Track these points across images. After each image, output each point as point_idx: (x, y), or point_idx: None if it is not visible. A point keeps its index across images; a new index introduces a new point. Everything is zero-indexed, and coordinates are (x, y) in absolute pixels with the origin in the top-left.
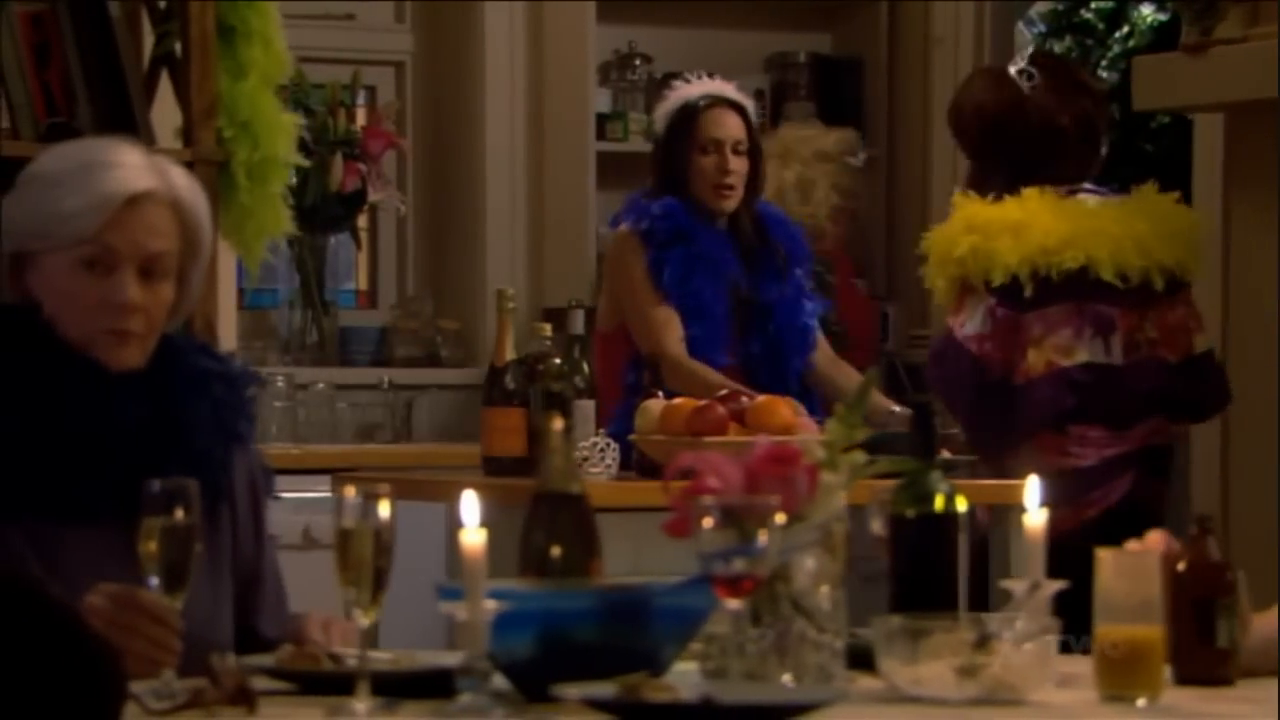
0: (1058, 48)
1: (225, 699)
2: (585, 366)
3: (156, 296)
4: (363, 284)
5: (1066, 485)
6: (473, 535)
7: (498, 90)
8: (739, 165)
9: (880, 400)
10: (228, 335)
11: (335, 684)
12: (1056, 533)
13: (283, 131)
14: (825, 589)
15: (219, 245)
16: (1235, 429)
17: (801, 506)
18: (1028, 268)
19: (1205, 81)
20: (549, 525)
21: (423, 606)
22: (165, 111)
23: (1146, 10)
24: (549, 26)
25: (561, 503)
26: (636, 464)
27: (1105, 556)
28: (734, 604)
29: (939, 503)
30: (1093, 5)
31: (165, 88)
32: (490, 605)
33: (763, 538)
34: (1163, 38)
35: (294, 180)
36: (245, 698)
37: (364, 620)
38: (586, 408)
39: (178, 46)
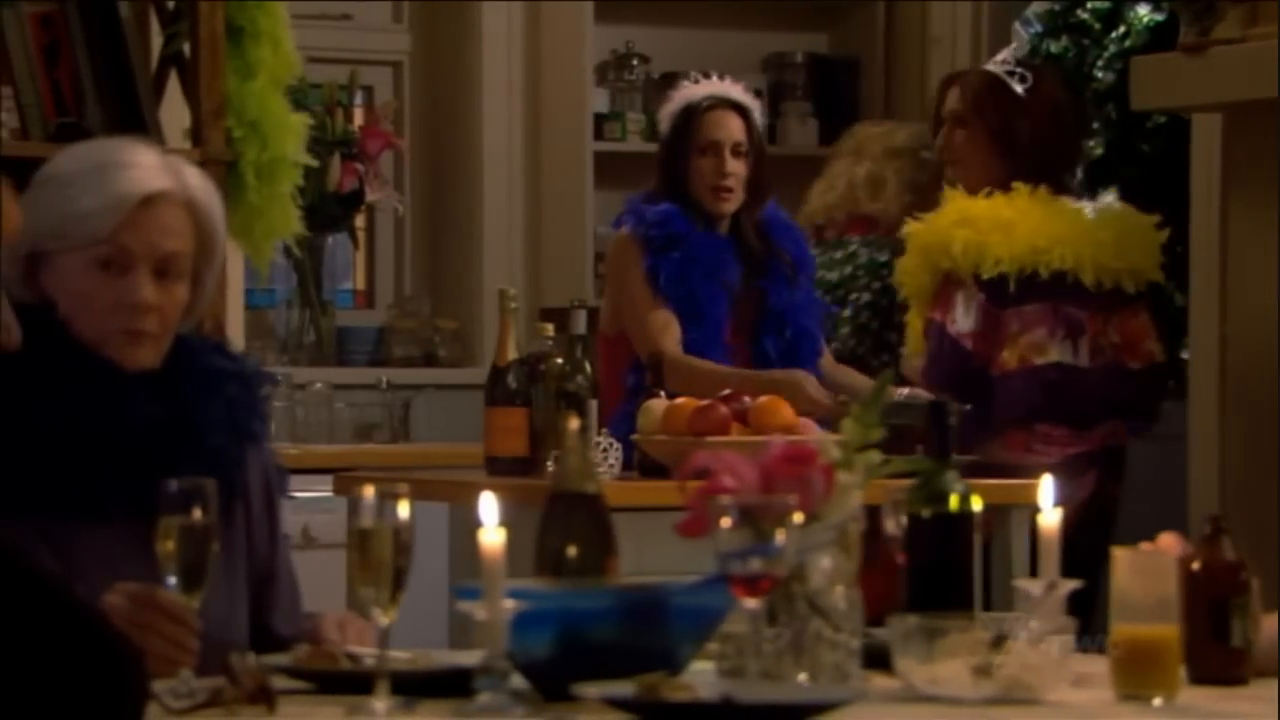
0: (1054, 48)
1: (245, 698)
2: (588, 366)
3: (171, 297)
4: (360, 284)
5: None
6: (492, 535)
7: (495, 90)
8: (737, 167)
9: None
10: (235, 335)
11: (353, 683)
12: None
13: (291, 131)
14: (840, 588)
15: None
16: (1234, 429)
17: (817, 506)
18: (1016, 265)
19: (1204, 81)
20: (565, 525)
21: (424, 606)
22: (173, 111)
23: (1143, 10)
24: (546, 26)
25: (577, 502)
26: (639, 464)
27: (1122, 556)
28: (752, 603)
29: (954, 502)
30: (1089, 5)
31: (173, 88)
32: (509, 605)
33: (780, 537)
34: (1159, 38)
35: (302, 180)
36: (265, 696)
37: (383, 620)
38: (589, 408)
39: (186, 47)
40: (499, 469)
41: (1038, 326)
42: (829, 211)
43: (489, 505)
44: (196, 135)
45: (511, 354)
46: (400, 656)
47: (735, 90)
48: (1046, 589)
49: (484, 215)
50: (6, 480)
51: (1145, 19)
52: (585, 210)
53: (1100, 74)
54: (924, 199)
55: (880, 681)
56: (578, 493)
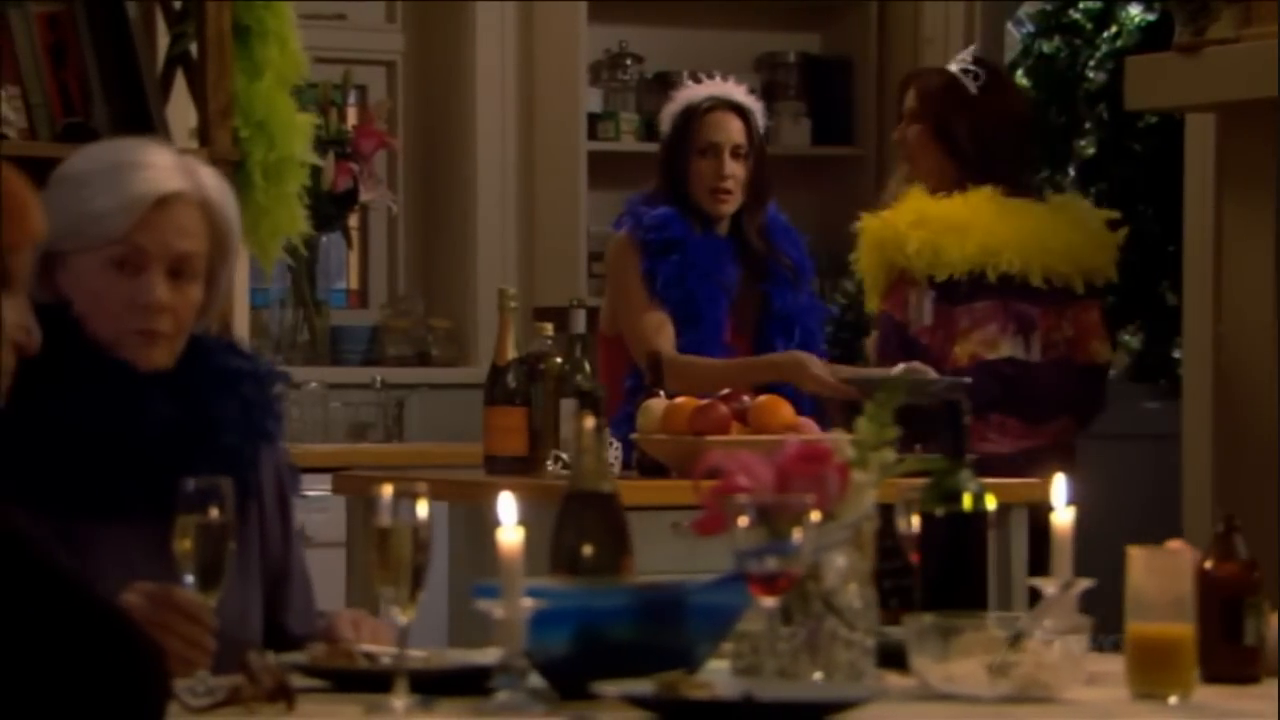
0: (1046, 48)
1: (263, 696)
2: (587, 366)
3: (185, 297)
4: (354, 283)
5: (985, 472)
6: (510, 534)
7: (489, 90)
8: (736, 169)
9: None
10: (241, 335)
11: (369, 681)
12: None
13: (298, 131)
14: (854, 587)
15: None
16: (1230, 430)
17: (833, 505)
18: (968, 266)
19: (1198, 81)
20: (580, 524)
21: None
22: (180, 111)
23: (1134, 10)
24: (540, 26)
25: (593, 501)
26: (638, 463)
27: (1137, 554)
28: (769, 602)
29: (967, 501)
30: (1081, 5)
31: (180, 88)
32: (528, 603)
33: (797, 536)
34: (1151, 38)
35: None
36: (284, 694)
37: (402, 618)
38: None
39: (193, 47)
40: (498, 468)
41: (989, 323)
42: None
43: (507, 505)
44: (203, 135)
45: (511, 353)
46: (417, 655)
47: (736, 92)
48: (1061, 588)
49: (477, 215)
50: (22, 479)
51: (1137, 19)
52: (579, 210)
53: (1092, 74)
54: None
55: (894, 680)
56: (593, 492)
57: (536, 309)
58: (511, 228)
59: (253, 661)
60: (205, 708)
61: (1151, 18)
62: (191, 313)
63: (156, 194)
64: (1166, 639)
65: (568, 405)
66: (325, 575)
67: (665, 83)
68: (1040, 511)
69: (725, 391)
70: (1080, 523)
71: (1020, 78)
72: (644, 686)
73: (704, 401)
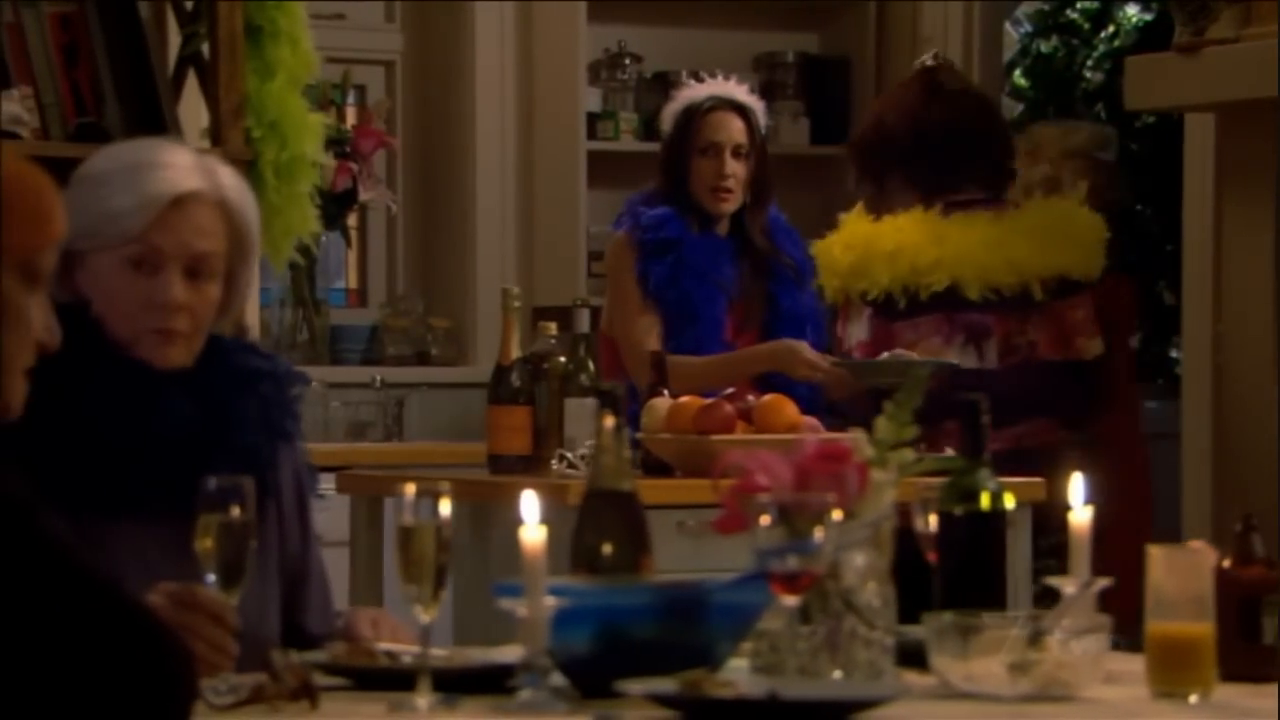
0: (1044, 47)
1: (287, 694)
2: (591, 365)
3: (202, 296)
4: (353, 282)
5: None
6: (533, 533)
7: (488, 89)
8: (737, 168)
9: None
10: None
11: (391, 680)
12: None
13: (310, 131)
14: (873, 585)
15: None
16: (1230, 430)
17: (852, 504)
18: (899, 285)
19: (1198, 81)
20: (600, 522)
21: None
22: (192, 111)
23: (1132, 11)
24: (539, 25)
25: (613, 500)
26: (643, 462)
27: (1157, 553)
28: (791, 601)
29: (985, 500)
30: (1078, 5)
31: (191, 87)
32: (550, 602)
33: (818, 535)
34: (1148, 38)
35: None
36: (308, 693)
37: (425, 616)
38: (592, 406)
39: (205, 47)
40: (502, 467)
41: (933, 335)
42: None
43: (530, 503)
44: (215, 135)
45: (515, 353)
46: (438, 653)
47: (738, 91)
48: (1081, 587)
49: (477, 214)
50: (41, 478)
51: (1134, 19)
52: (578, 209)
53: (1089, 73)
54: (1101, 199)
55: (913, 679)
56: (613, 490)
57: (536, 308)
58: (511, 227)
59: (276, 660)
60: (229, 706)
61: (1149, 17)
62: (210, 312)
63: (173, 193)
64: (1186, 638)
65: (572, 404)
66: (331, 573)
67: (664, 82)
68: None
69: (730, 390)
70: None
71: (1018, 77)
72: (667, 685)
73: (709, 401)
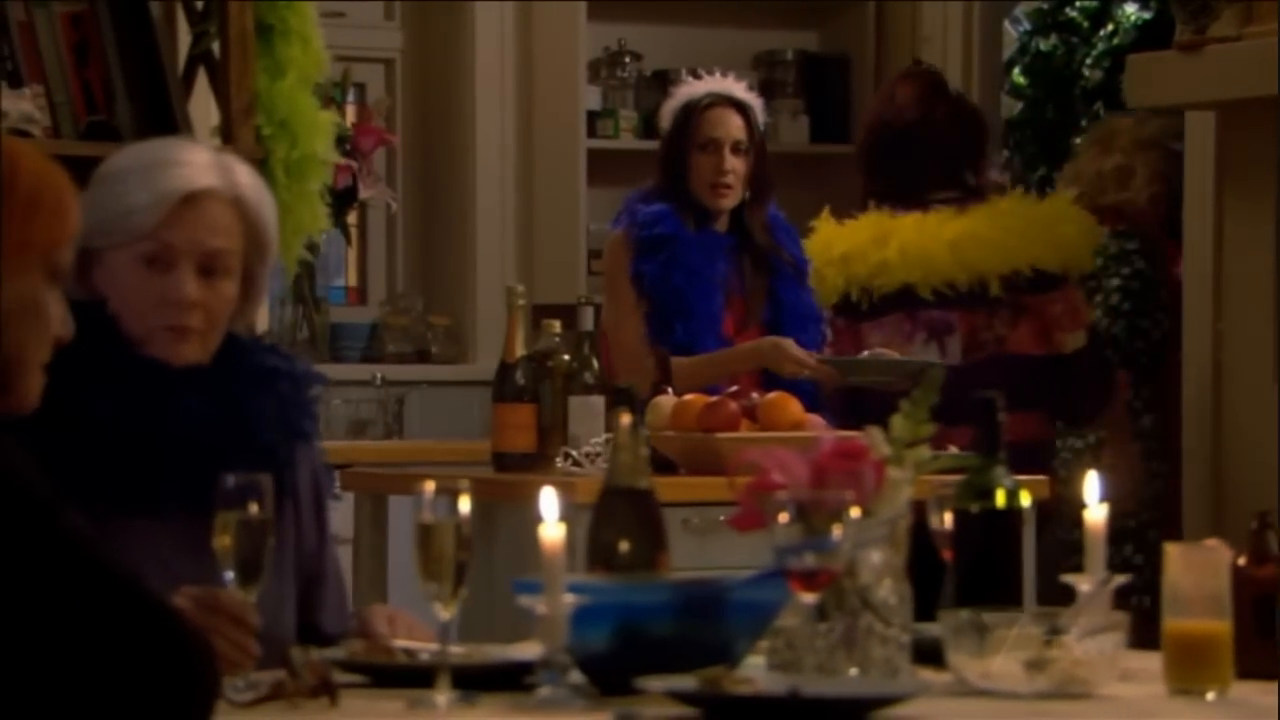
0: (1043, 46)
1: (306, 692)
2: (595, 363)
3: (217, 294)
4: (353, 280)
5: None
6: (552, 530)
7: (488, 87)
8: (736, 165)
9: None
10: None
11: (409, 677)
12: None
13: (320, 129)
14: (889, 583)
15: None
16: (1230, 428)
17: (869, 501)
18: (857, 287)
19: (1199, 79)
20: (616, 520)
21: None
22: (202, 110)
23: (1131, 9)
24: (539, 24)
25: (629, 498)
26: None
27: (1174, 551)
28: (810, 598)
29: (1001, 498)
30: (1077, 4)
31: (202, 86)
32: (570, 599)
33: (837, 532)
34: (1147, 36)
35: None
36: (327, 689)
37: (444, 614)
38: (596, 404)
39: (215, 45)
40: (507, 465)
41: (895, 335)
42: (1076, 201)
43: (550, 500)
44: (226, 133)
45: (519, 350)
46: (456, 651)
47: (737, 88)
48: (1097, 585)
49: (476, 212)
50: (59, 476)
51: (1133, 17)
52: (578, 207)
53: (1088, 71)
54: (1172, 190)
55: (928, 676)
56: (629, 488)
57: (536, 306)
58: (510, 225)
59: (295, 657)
60: (248, 703)
61: (1147, 16)
62: (225, 309)
63: (185, 190)
64: (1204, 635)
65: (576, 402)
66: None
67: (664, 80)
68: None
69: (734, 388)
70: None
71: (1017, 75)
72: (686, 682)
73: (713, 398)
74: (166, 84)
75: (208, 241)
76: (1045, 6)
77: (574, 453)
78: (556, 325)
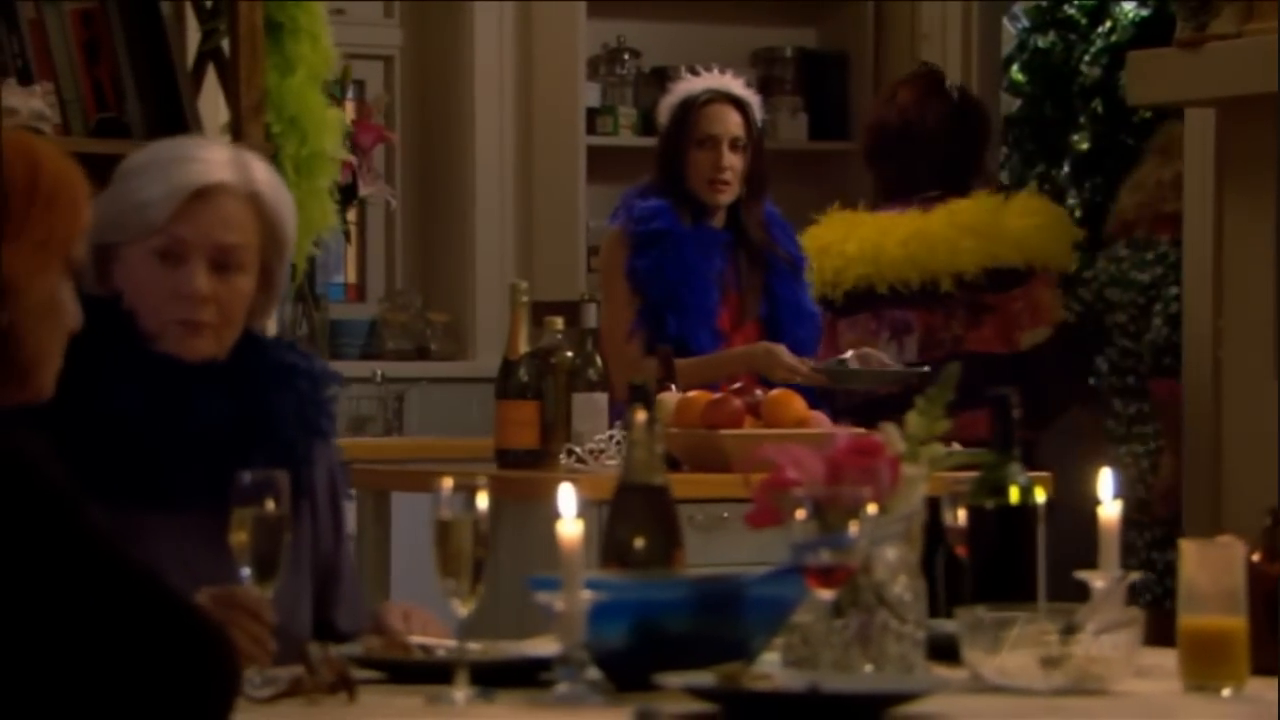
0: (1041, 43)
1: (324, 687)
2: (598, 360)
3: (230, 288)
4: (352, 277)
5: None
6: (570, 526)
7: (487, 84)
8: (734, 161)
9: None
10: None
11: (425, 673)
12: None
13: (329, 127)
14: (904, 579)
15: None
16: (1230, 427)
17: (884, 498)
18: (829, 285)
19: (1199, 77)
20: (632, 516)
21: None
22: (212, 107)
23: (1129, 6)
24: (538, 21)
25: (644, 494)
26: None
27: (1189, 547)
28: (827, 595)
29: (1015, 494)
30: (1076, 1)
31: (211, 83)
32: (587, 595)
33: (853, 528)
34: (1145, 32)
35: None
36: (346, 685)
37: (462, 610)
38: (599, 401)
39: (225, 43)
40: (510, 461)
41: (863, 333)
42: (1138, 210)
43: (568, 496)
44: (236, 130)
45: (523, 347)
46: (473, 647)
47: (734, 84)
48: (1112, 581)
49: (476, 209)
50: (77, 470)
51: (1131, 14)
52: (577, 204)
53: (1086, 68)
54: None
55: (944, 672)
56: (645, 484)
57: (535, 303)
58: (510, 222)
59: (313, 654)
60: (267, 698)
61: (1146, 13)
62: (240, 304)
63: (197, 185)
64: (1219, 631)
65: (579, 399)
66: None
67: (663, 77)
68: None
69: (738, 385)
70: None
71: (1016, 73)
72: (704, 678)
73: (717, 396)
74: (176, 81)
75: (220, 236)
76: (1044, 4)
77: (578, 449)
78: (559, 322)
